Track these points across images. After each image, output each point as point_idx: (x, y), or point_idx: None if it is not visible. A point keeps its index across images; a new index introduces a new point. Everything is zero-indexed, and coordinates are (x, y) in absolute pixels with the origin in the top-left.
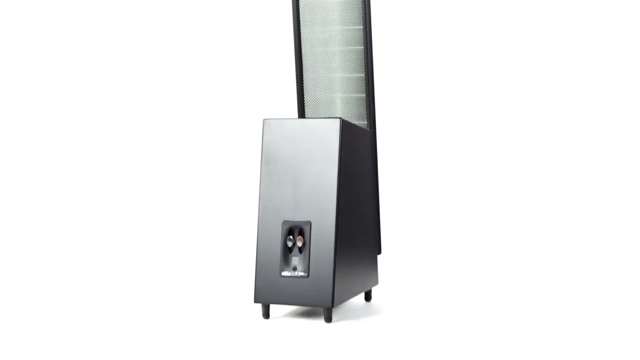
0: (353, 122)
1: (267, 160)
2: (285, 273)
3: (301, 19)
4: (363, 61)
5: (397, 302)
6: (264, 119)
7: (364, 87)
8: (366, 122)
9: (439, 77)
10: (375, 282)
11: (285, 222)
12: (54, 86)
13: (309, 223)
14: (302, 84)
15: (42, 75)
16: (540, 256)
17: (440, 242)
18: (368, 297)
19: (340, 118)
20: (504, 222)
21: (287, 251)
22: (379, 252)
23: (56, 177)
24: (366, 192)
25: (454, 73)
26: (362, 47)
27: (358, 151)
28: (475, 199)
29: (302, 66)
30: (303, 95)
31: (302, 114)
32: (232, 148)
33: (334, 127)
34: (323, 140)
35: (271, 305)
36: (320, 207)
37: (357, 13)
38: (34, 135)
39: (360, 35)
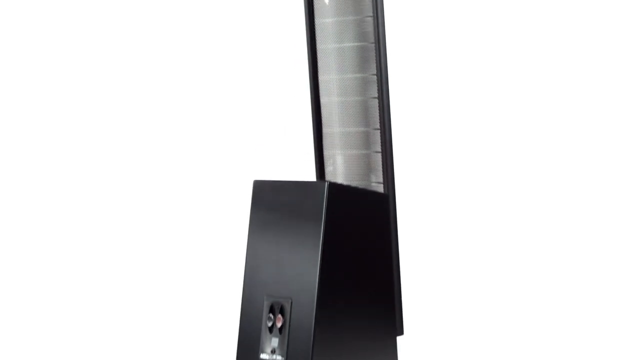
0: (370, 181)
1: (254, 225)
2: (263, 356)
3: (319, 64)
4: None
5: None
6: (254, 180)
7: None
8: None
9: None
10: None
11: (268, 297)
12: (40, 94)
13: (290, 300)
14: (321, 138)
15: (33, 77)
16: (581, 332)
17: (475, 323)
18: None
19: (328, 181)
20: (549, 301)
21: (267, 330)
22: (400, 333)
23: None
24: (376, 266)
25: (479, 126)
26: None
27: (360, 218)
28: (515, 269)
29: (320, 117)
30: (322, 150)
31: (321, 174)
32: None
33: (319, 191)
34: (309, 206)
35: None
36: (301, 282)
37: (371, 58)
38: (23, 134)
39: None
